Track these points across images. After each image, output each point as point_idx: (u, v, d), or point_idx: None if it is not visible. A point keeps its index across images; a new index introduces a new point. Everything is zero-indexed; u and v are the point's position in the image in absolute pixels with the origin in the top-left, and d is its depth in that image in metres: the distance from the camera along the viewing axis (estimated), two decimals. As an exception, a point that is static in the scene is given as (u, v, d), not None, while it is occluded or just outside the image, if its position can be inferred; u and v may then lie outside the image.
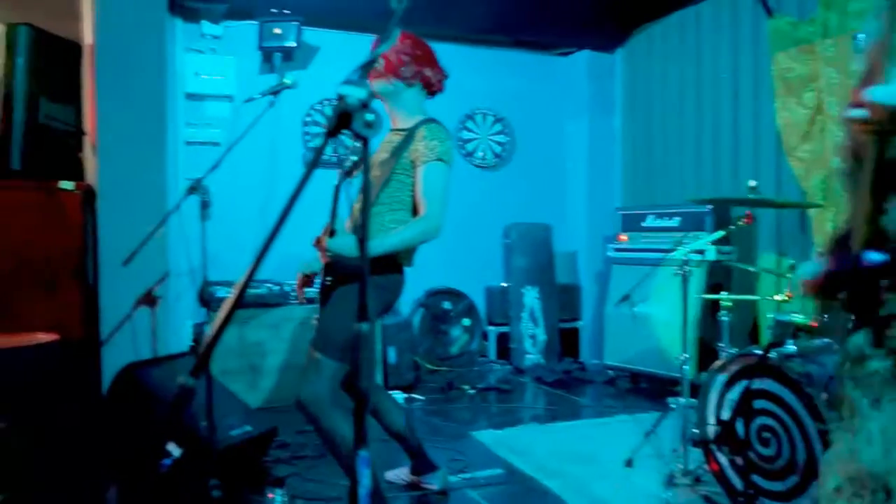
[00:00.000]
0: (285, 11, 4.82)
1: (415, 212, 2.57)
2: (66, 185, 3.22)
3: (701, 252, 3.26)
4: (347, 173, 2.55)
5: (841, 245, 1.42)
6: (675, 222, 4.75)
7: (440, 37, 5.45)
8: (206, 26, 4.98)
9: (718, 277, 4.40)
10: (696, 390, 2.83)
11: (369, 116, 0.85)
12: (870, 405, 1.33)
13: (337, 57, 5.22)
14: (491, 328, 5.68)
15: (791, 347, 2.52)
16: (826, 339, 2.57)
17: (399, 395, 4.57)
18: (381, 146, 2.70)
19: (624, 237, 5.10)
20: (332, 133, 0.87)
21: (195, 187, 2.67)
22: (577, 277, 6.03)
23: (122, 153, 3.45)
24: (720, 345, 3.00)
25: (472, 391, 4.82)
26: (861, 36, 3.44)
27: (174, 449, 2.60)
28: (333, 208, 2.51)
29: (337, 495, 2.90)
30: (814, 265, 1.51)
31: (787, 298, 2.77)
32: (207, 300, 2.80)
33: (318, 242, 2.53)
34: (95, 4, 3.45)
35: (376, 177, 2.57)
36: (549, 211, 5.98)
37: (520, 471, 3.24)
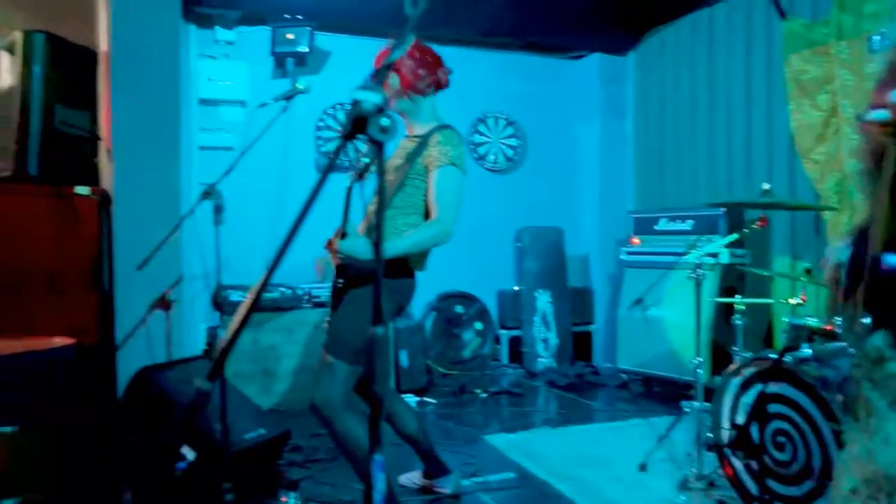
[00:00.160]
0: (298, 17, 4.85)
1: (427, 216, 2.58)
2: (82, 190, 3.25)
3: (714, 255, 3.24)
4: (359, 175, 2.56)
5: (863, 237, 1.40)
6: (687, 225, 4.73)
7: (452, 40, 5.48)
8: (220, 32, 5.02)
9: (732, 281, 4.38)
10: (710, 394, 2.81)
11: (384, 121, 0.85)
12: (888, 406, 1.31)
13: (349, 62, 5.24)
14: (503, 332, 5.68)
15: (806, 351, 2.50)
16: (841, 343, 2.55)
17: (411, 399, 4.57)
18: (396, 152, 2.72)
19: (636, 240, 5.09)
20: (347, 137, 0.88)
21: (209, 192, 2.69)
22: (590, 281, 6.01)
23: (136, 158, 3.48)
24: (734, 348, 2.98)
25: (484, 395, 4.82)
26: (876, 38, 3.42)
27: (188, 452, 2.62)
28: (345, 211, 2.52)
29: (350, 499, 2.91)
30: (842, 251, 1.49)
31: (801, 302, 2.75)
32: (221, 304, 2.82)
33: (329, 244, 2.55)
34: (110, 12, 3.48)
35: (390, 181, 2.58)
36: (561, 214, 5.97)
37: (532, 475, 3.23)
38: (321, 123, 5.36)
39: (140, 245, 2.97)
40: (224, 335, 3.11)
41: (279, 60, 5.08)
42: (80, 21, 4.02)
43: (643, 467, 3.17)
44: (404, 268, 2.56)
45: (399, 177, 2.56)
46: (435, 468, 2.94)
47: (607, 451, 3.52)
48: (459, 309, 5.54)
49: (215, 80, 4.96)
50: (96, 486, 2.90)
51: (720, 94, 5.04)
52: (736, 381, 2.68)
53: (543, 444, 3.69)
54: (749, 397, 2.61)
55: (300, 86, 2.79)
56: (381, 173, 0.97)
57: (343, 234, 2.48)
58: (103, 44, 3.68)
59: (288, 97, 2.82)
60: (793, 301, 2.76)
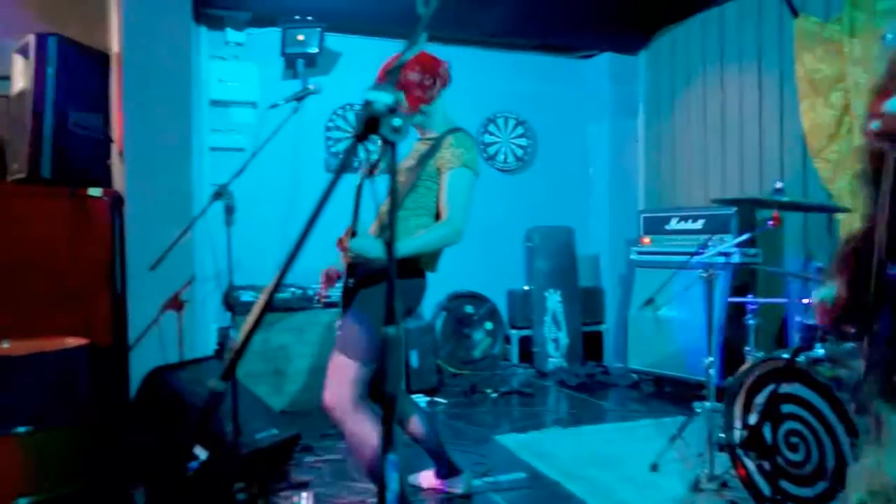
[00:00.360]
0: (308, 18, 4.86)
1: (439, 218, 2.58)
2: (95, 191, 3.27)
3: (726, 255, 3.22)
4: (369, 173, 2.56)
5: (849, 261, 1.38)
6: (698, 225, 4.71)
7: (461, 41, 5.49)
8: (231, 34, 5.04)
9: (743, 280, 4.36)
10: (722, 394, 2.80)
11: (396, 121, 0.86)
12: None
13: (359, 62, 5.25)
14: (513, 332, 5.67)
15: (819, 351, 2.48)
16: (855, 343, 2.53)
17: (422, 399, 4.57)
18: (409, 153, 2.73)
19: (647, 240, 5.07)
20: (359, 138, 0.88)
21: (220, 193, 2.70)
22: (600, 281, 6.00)
23: (148, 160, 3.50)
24: (746, 348, 2.97)
25: (494, 395, 4.81)
26: (890, 35, 3.39)
27: (200, 452, 2.63)
28: (356, 209, 2.53)
29: (361, 499, 2.91)
30: (828, 290, 1.48)
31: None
32: (232, 304, 2.82)
33: (340, 243, 2.55)
34: (122, 14, 3.50)
35: (402, 183, 2.58)
36: (572, 214, 5.96)
37: (543, 475, 3.23)
38: (331, 124, 5.38)
39: (152, 246, 2.99)
40: (237, 336, 3.11)
41: (289, 61, 5.10)
42: (93, 24, 4.05)
43: (655, 467, 3.16)
44: (415, 268, 2.56)
45: (411, 178, 2.57)
46: (446, 468, 2.95)
47: (618, 451, 3.51)
48: (470, 309, 5.54)
49: (226, 82, 4.99)
50: (109, 485, 2.92)
51: (732, 93, 5.02)
52: (748, 382, 2.67)
53: (554, 444, 3.68)
54: (762, 397, 2.59)
55: (312, 87, 2.80)
56: (394, 173, 0.97)
57: (353, 233, 2.49)
58: (115, 46, 3.71)
59: (299, 98, 2.83)
60: (806, 301, 2.74)
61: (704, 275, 3.08)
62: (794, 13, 4.37)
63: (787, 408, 2.49)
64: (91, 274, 3.23)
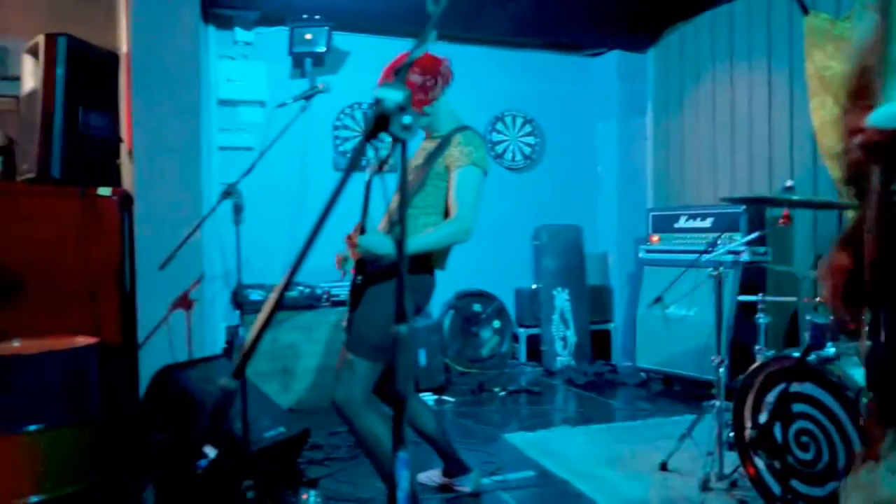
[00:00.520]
0: (316, 17, 4.87)
1: (448, 216, 2.58)
2: (104, 191, 3.29)
3: (735, 253, 3.21)
4: (378, 168, 2.56)
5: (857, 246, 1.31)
6: (707, 223, 4.69)
7: (469, 39, 5.48)
8: (239, 33, 5.05)
9: (753, 279, 4.34)
10: (731, 393, 2.79)
11: (406, 119, 0.85)
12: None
13: (367, 61, 5.25)
14: (521, 330, 5.67)
15: (830, 350, 2.47)
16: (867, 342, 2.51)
17: (429, 398, 4.58)
18: (416, 152, 2.73)
19: (656, 238, 5.06)
20: (369, 136, 0.88)
21: (229, 192, 2.70)
22: (608, 279, 5.98)
23: (157, 159, 3.51)
24: (756, 347, 2.95)
25: (502, 393, 4.81)
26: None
27: (210, 450, 2.63)
28: (364, 206, 2.53)
29: (370, 496, 2.92)
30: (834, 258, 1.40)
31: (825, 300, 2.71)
32: (241, 303, 2.83)
33: (349, 239, 2.56)
34: (131, 14, 3.52)
35: (410, 181, 2.58)
36: (580, 212, 5.95)
37: (552, 473, 3.22)
38: (339, 123, 5.38)
39: (161, 245, 3.00)
40: (246, 334, 3.12)
41: (297, 60, 5.11)
42: (102, 24, 4.07)
43: (664, 466, 3.15)
44: (423, 265, 2.56)
45: (419, 176, 2.57)
46: (455, 466, 2.95)
47: (627, 449, 3.50)
48: (477, 307, 5.53)
49: (234, 81, 5.00)
50: (119, 483, 2.93)
51: (741, 91, 4.99)
52: (759, 380, 2.66)
53: (563, 442, 3.67)
54: (772, 396, 2.58)
55: (320, 86, 2.80)
56: (404, 171, 0.97)
57: (362, 230, 2.49)
58: (124, 46, 3.72)
59: (307, 97, 2.83)
60: (817, 299, 2.72)
61: (714, 273, 3.07)
62: (805, 10, 4.34)
63: (797, 407, 2.47)
64: (100, 273, 3.24)
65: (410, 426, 2.86)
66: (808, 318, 2.56)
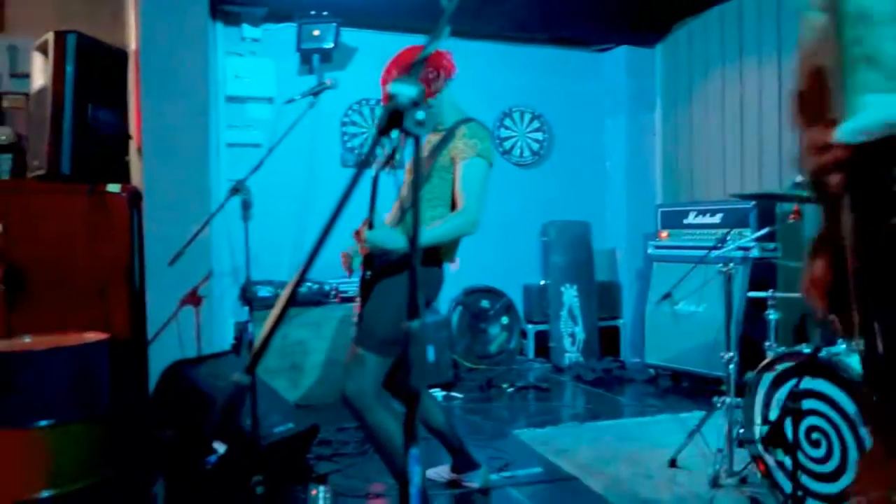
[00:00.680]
0: (324, 13, 4.87)
1: (454, 208, 2.58)
2: (113, 188, 3.30)
3: (745, 249, 3.19)
4: (385, 163, 2.56)
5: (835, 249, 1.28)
6: (717, 219, 4.67)
7: (477, 35, 5.47)
8: (247, 30, 5.06)
9: (763, 275, 4.32)
10: (741, 390, 2.78)
11: (420, 114, 0.85)
12: None
13: (374, 57, 5.22)
14: (529, 326, 5.66)
15: (841, 346, 2.45)
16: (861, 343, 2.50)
17: (438, 394, 4.58)
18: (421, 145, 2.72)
19: (664, 234, 5.04)
20: (383, 132, 0.88)
21: (238, 188, 2.70)
22: (617, 275, 5.97)
23: (166, 156, 3.53)
24: (767, 343, 2.94)
25: (510, 390, 4.81)
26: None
27: (219, 445, 2.65)
28: (371, 201, 2.53)
29: (379, 492, 2.92)
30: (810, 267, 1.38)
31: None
32: (250, 299, 2.83)
33: (357, 234, 2.56)
34: (140, 12, 3.52)
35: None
36: (588, 208, 5.93)
37: (560, 469, 3.22)
38: (347, 119, 5.38)
39: (170, 241, 3.01)
40: (255, 331, 3.13)
41: (305, 57, 5.11)
42: (110, 22, 4.08)
43: (673, 463, 3.15)
44: (431, 258, 2.56)
45: (425, 169, 2.56)
46: (463, 462, 2.94)
47: (636, 446, 3.49)
48: (486, 303, 5.53)
49: (242, 78, 5.01)
50: (129, 478, 2.95)
51: (750, 86, 4.97)
52: (769, 376, 2.64)
53: (571, 438, 3.67)
54: (782, 393, 2.57)
55: (328, 82, 2.80)
56: (419, 166, 0.96)
57: (370, 224, 2.49)
58: (133, 43, 3.73)
59: (315, 93, 2.83)
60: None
61: (723, 269, 3.06)
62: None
63: (808, 403, 2.46)
64: (110, 269, 3.26)
65: (420, 420, 2.86)
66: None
